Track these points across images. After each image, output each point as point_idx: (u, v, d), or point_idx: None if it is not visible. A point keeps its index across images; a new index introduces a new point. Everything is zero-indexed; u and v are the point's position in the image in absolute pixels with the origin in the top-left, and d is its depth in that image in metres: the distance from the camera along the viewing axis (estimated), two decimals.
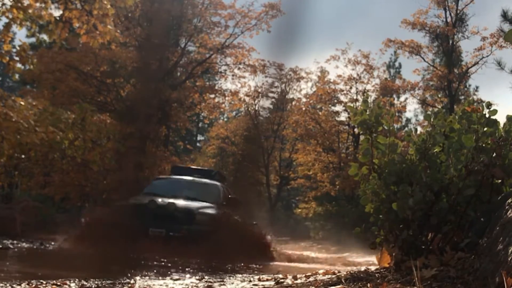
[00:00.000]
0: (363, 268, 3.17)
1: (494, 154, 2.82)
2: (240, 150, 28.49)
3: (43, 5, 8.28)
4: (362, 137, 3.31)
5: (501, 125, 2.99)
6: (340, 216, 18.71)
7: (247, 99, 26.25)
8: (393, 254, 2.89)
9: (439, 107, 23.04)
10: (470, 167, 2.83)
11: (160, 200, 8.60)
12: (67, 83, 18.37)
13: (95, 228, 7.99)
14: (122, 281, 3.48)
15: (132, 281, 3.55)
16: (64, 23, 8.41)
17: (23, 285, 3.07)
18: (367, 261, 8.38)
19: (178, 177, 10.75)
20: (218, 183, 10.54)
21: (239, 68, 21.96)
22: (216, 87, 23.56)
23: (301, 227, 23.07)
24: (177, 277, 3.84)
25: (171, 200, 8.52)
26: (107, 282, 3.35)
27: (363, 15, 54.36)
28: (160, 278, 3.84)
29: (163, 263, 5.69)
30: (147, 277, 3.86)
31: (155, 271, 4.61)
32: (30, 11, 8.07)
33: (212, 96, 22.72)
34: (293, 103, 28.09)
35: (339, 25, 55.19)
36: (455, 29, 22.49)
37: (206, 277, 3.89)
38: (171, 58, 20.82)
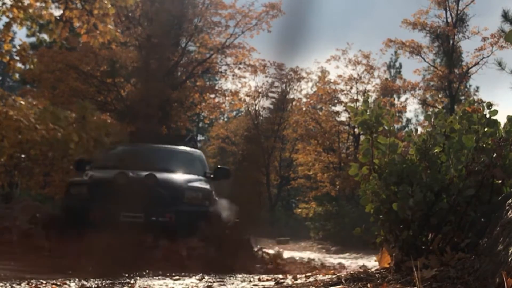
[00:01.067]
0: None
1: (495, 155, 2.82)
2: (240, 150, 28.51)
3: (43, 4, 8.29)
4: (362, 137, 3.32)
5: (502, 125, 2.99)
6: (340, 216, 18.70)
7: (247, 99, 26.30)
8: (393, 254, 2.89)
9: (440, 107, 23.04)
10: (470, 168, 2.83)
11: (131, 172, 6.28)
12: (67, 82, 18.39)
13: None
14: (122, 281, 3.48)
15: (132, 281, 3.55)
16: (64, 22, 8.43)
17: (23, 284, 3.07)
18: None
19: (146, 144, 8.22)
20: (200, 152, 8.29)
21: (239, 68, 21.99)
22: (217, 87, 23.60)
23: (301, 227, 23.04)
24: (177, 277, 3.84)
25: (148, 172, 6.23)
26: (107, 282, 3.35)
27: (365, 15, 54.38)
28: (159, 278, 3.84)
29: (161, 262, 5.65)
30: (147, 277, 3.86)
31: (153, 270, 4.60)
32: (30, 10, 8.08)
33: (212, 96, 22.75)
34: (294, 103, 28.11)
35: (340, 25, 55.21)
36: (455, 29, 22.49)
37: (206, 277, 3.89)
38: (172, 58, 20.83)
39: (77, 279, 3.35)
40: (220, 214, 6.40)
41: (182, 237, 5.93)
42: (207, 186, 6.83)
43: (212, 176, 7.45)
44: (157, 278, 3.83)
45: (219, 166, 8.21)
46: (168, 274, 4.29)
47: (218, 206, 6.62)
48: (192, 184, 6.68)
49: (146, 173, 6.25)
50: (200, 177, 7.05)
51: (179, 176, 6.81)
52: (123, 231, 5.75)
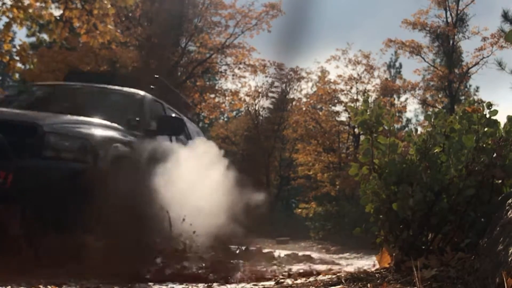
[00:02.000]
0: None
1: (495, 155, 2.83)
2: (240, 150, 28.50)
3: (43, 4, 8.29)
4: (362, 137, 3.32)
5: (502, 125, 3.00)
6: (340, 216, 18.71)
7: (247, 99, 26.28)
8: (393, 254, 2.89)
9: (440, 107, 23.04)
10: (470, 168, 2.83)
11: None
12: None
13: None
14: (122, 281, 3.48)
15: (132, 281, 3.54)
16: (64, 22, 8.43)
17: (22, 284, 3.07)
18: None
19: (70, 84, 5.82)
20: (145, 93, 5.54)
21: (239, 68, 22.00)
22: (216, 87, 23.62)
23: (301, 227, 23.05)
24: None
25: None
26: (107, 282, 3.35)
27: (365, 15, 54.36)
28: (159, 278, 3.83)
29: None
30: (146, 277, 3.85)
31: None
32: (30, 10, 8.08)
33: (212, 96, 22.76)
34: (294, 103, 28.11)
35: (340, 25, 55.20)
36: (455, 29, 22.50)
37: None
38: (172, 58, 20.83)
39: (77, 280, 3.35)
40: (126, 184, 3.89)
41: (28, 214, 3.54)
42: (101, 133, 4.16)
43: (151, 129, 5.04)
44: (156, 277, 3.82)
45: (165, 114, 5.61)
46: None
47: (131, 171, 4.05)
48: (65, 126, 4.02)
49: None
50: (111, 124, 4.46)
51: (52, 116, 4.17)
52: None
